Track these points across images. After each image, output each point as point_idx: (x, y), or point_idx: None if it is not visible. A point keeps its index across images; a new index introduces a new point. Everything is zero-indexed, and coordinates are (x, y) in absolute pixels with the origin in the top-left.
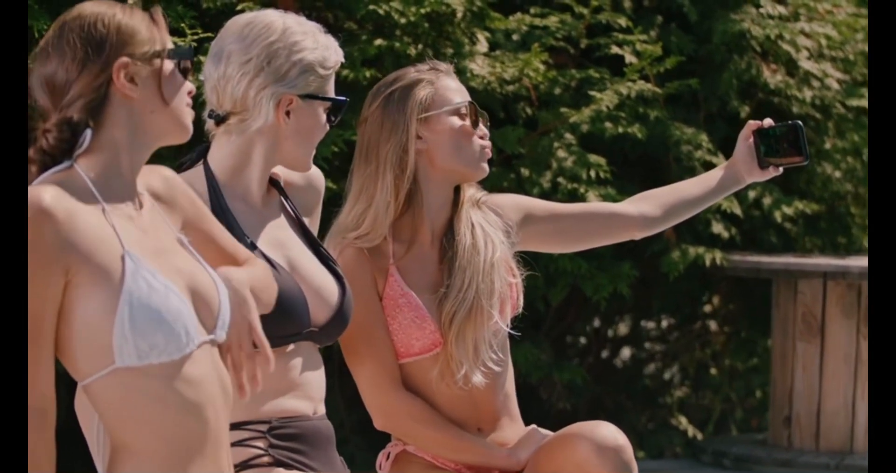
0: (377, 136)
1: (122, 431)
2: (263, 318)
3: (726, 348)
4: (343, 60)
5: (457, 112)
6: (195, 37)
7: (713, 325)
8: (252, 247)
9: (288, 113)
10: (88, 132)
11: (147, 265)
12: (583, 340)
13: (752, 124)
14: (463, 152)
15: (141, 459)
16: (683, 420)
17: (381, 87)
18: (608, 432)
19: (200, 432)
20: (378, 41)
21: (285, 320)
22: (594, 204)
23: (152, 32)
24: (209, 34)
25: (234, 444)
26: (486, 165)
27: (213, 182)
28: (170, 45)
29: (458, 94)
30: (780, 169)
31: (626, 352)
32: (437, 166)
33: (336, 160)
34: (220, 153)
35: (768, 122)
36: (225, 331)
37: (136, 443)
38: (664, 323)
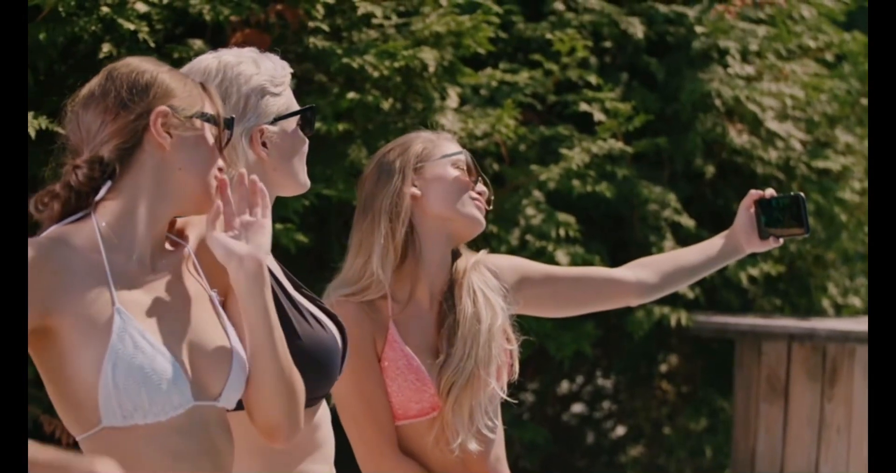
0: (373, 189)
1: None
2: (307, 383)
3: (682, 408)
4: (291, 71)
5: (453, 163)
6: None
7: (670, 385)
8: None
9: (265, 144)
10: (108, 184)
11: (136, 324)
12: (532, 397)
13: (754, 194)
14: (456, 201)
15: None
16: None
17: (381, 150)
18: None
19: None
20: (350, 95)
21: (325, 378)
22: (591, 269)
23: (199, 95)
24: None
25: None
26: (480, 217)
27: None
28: (221, 114)
29: (454, 149)
30: (781, 240)
31: (582, 410)
32: (430, 214)
33: (306, 214)
34: None
35: (770, 192)
36: (234, 399)
37: None
38: (621, 382)
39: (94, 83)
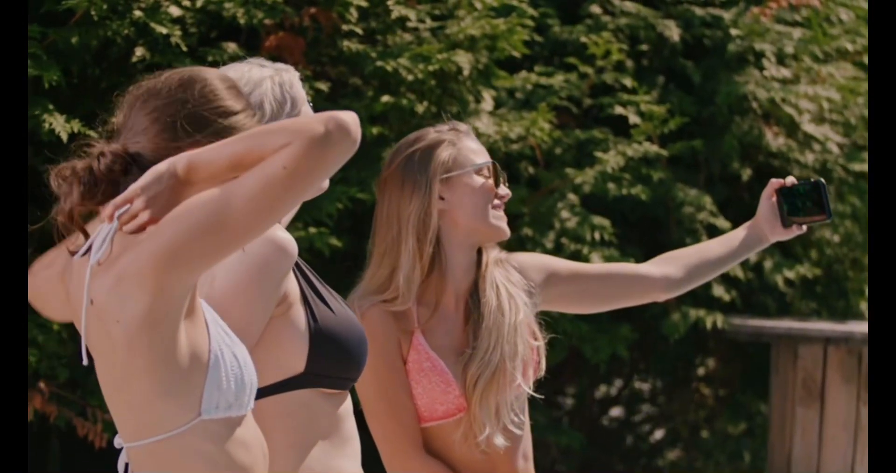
0: (398, 198)
1: None
2: (340, 361)
3: (720, 411)
4: (306, 104)
5: (479, 172)
6: None
7: (707, 388)
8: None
9: None
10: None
11: (217, 316)
12: (570, 401)
13: (775, 183)
14: (482, 212)
15: None
16: None
17: (400, 147)
18: None
19: None
20: (384, 98)
21: (357, 361)
22: (618, 265)
23: None
24: None
25: None
26: (505, 228)
27: None
28: None
29: (479, 155)
30: (804, 227)
31: (619, 414)
32: (459, 226)
33: (340, 217)
34: None
35: (791, 180)
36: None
37: None
38: (658, 385)
39: (172, 84)
